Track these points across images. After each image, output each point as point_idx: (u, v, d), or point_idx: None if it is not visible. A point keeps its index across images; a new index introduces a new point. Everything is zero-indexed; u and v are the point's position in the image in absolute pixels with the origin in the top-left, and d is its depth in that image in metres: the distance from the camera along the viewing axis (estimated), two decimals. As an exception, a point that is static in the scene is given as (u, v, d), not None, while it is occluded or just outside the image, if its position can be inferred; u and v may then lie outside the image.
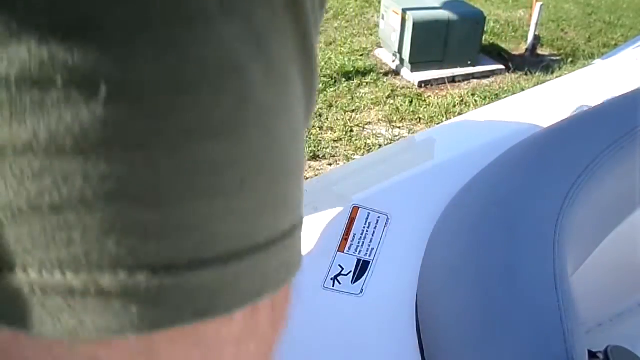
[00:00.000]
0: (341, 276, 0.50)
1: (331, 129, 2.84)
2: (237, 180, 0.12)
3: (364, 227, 0.52)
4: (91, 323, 0.11)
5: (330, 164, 2.55)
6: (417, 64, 3.36)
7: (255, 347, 0.15)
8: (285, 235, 0.14)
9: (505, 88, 3.35)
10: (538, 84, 1.62)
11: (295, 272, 0.16)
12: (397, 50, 3.44)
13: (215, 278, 0.12)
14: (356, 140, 2.74)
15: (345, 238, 0.51)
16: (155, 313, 0.11)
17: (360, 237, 0.52)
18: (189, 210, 0.11)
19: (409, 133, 2.84)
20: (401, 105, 3.09)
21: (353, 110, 3.04)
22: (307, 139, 2.71)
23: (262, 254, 0.13)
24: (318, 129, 2.83)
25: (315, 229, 0.52)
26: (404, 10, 3.24)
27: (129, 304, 0.11)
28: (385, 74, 3.51)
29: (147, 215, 0.11)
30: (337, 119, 2.93)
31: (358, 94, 3.23)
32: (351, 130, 2.83)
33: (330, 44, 3.99)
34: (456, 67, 3.45)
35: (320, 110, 3.01)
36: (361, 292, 0.49)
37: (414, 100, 3.15)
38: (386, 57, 3.69)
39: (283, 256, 0.15)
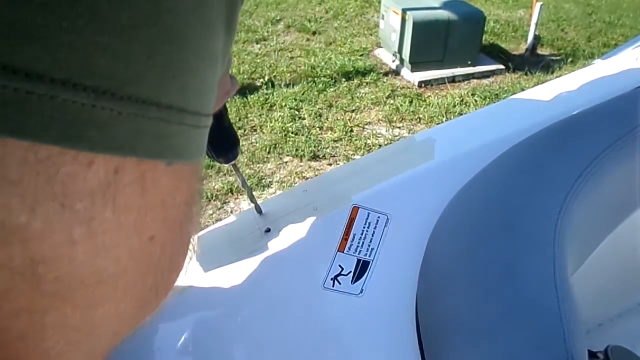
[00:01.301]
0: (341, 276, 0.50)
1: (331, 129, 2.84)
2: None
3: (364, 227, 0.52)
4: None
5: (330, 164, 2.55)
6: (417, 63, 3.36)
7: (111, 213, 0.14)
8: (163, 108, 0.14)
9: (505, 88, 3.35)
10: (538, 83, 1.62)
11: (174, 155, 0.15)
12: (397, 50, 3.44)
13: (84, 108, 0.12)
14: (356, 140, 2.74)
15: (345, 238, 0.51)
16: (17, 119, 0.11)
17: (360, 237, 0.52)
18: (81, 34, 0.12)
19: (409, 133, 2.84)
20: (401, 105, 3.09)
21: (353, 110, 3.04)
22: (307, 139, 2.71)
23: (136, 108, 0.13)
24: (318, 129, 2.83)
25: (315, 229, 0.52)
26: (404, 10, 3.24)
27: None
28: (385, 74, 3.50)
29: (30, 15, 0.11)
30: (337, 119, 2.93)
31: (358, 94, 3.23)
32: (351, 130, 2.83)
33: (330, 44, 3.99)
34: (456, 67, 3.45)
35: (320, 110, 3.01)
36: (361, 292, 0.49)
37: (414, 100, 3.15)
38: (386, 57, 3.69)
39: (163, 129, 0.14)
